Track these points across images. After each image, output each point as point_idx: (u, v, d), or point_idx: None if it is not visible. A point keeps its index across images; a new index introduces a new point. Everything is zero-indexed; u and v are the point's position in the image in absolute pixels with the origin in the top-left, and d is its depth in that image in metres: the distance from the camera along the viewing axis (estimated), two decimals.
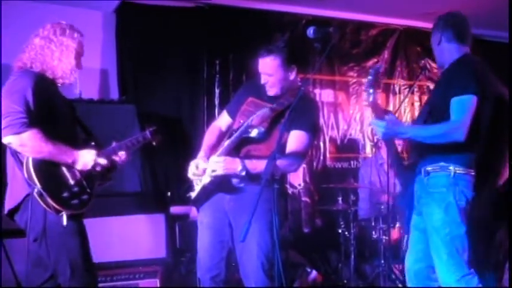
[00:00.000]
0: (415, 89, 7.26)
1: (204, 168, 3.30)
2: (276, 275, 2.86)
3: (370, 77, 3.08)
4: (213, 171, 3.21)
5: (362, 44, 7.03)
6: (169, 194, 4.98)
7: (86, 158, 3.02)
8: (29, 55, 3.04)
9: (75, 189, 2.97)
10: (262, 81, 3.39)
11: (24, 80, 2.92)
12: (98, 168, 3.09)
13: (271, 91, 3.39)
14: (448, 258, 3.05)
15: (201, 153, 3.47)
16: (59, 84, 3.13)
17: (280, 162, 3.06)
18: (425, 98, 7.39)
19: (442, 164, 3.08)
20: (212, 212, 3.42)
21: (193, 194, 3.37)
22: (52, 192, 2.87)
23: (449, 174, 3.06)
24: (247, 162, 3.21)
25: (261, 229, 3.16)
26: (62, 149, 2.94)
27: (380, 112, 3.11)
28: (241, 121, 3.36)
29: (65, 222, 2.89)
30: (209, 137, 3.61)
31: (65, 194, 2.92)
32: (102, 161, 3.09)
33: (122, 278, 4.55)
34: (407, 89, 7.16)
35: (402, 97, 7.13)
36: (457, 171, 3.06)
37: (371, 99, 3.09)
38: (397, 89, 7.23)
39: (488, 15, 6.51)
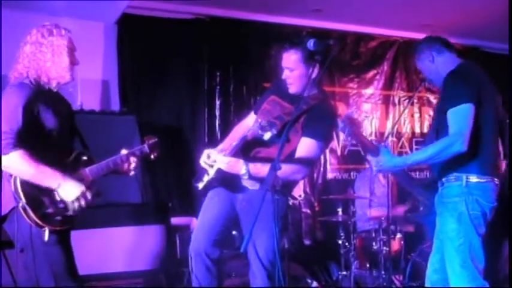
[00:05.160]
0: (415, 100, 7.29)
1: (215, 159, 3.27)
2: (277, 284, 2.87)
3: (341, 124, 3.01)
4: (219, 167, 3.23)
5: (362, 56, 7.08)
6: (170, 204, 4.97)
7: (71, 191, 2.91)
8: (23, 64, 3.01)
9: (61, 205, 2.93)
10: (283, 77, 3.38)
11: (16, 96, 2.89)
12: (82, 203, 2.94)
13: (292, 88, 3.37)
14: (461, 269, 3.01)
15: (220, 146, 3.50)
16: (55, 88, 3.09)
17: (285, 168, 3.01)
18: (425, 109, 7.44)
19: (455, 174, 3.07)
20: (221, 195, 3.43)
21: (200, 185, 3.34)
22: (35, 208, 2.85)
23: (461, 183, 3.04)
24: (252, 166, 3.20)
25: (268, 236, 3.16)
26: (46, 173, 2.87)
27: (371, 148, 3.08)
28: (259, 120, 3.35)
29: (46, 237, 2.87)
30: (234, 132, 3.64)
31: (49, 210, 2.89)
32: (88, 195, 2.96)
33: None
34: (406, 100, 7.19)
35: (402, 108, 7.15)
36: (470, 180, 3.03)
37: (352, 142, 3.04)
38: (396, 101, 7.26)
39: (485, 27, 6.56)
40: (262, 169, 3.18)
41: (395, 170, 3.25)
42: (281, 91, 3.46)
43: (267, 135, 3.18)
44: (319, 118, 3.24)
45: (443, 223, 3.11)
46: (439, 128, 3.14)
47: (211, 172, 3.25)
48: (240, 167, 3.19)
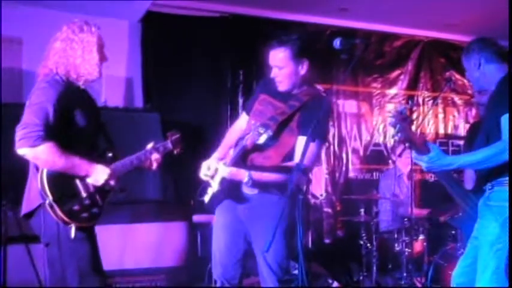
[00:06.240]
0: (439, 101, 7.21)
1: (215, 169, 3.23)
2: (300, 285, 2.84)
3: (393, 119, 2.95)
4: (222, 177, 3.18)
5: (386, 55, 7.03)
6: (192, 202, 4.98)
7: (99, 175, 3.00)
8: (53, 60, 3.03)
9: (87, 202, 2.97)
10: (272, 75, 3.30)
11: (48, 92, 2.92)
12: (108, 186, 3.06)
13: (281, 86, 3.29)
14: (492, 274, 2.95)
15: (216, 154, 3.43)
16: (82, 86, 3.10)
17: (286, 174, 3.02)
18: (449, 109, 7.36)
19: (508, 178, 2.96)
20: (226, 214, 3.38)
21: (206, 199, 3.31)
22: (62, 205, 2.89)
23: None
24: (253, 172, 3.17)
25: (276, 239, 3.09)
26: (75, 162, 2.93)
27: (420, 145, 2.96)
28: (253, 122, 3.30)
29: (73, 234, 2.90)
30: (228, 137, 3.57)
31: (76, 207, 2.93)
32: (113, 182, 3.05)
33: (143, 286, 4.57)
34: (431, 101, 7.12)
35: (426, 109, 7.09)
36: None
37: (400, 138, 2.94)
38: (420, 101, 7.20)
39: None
40: (263, 174, 3.16)
41: (443, 170, 3.17)
42: (271, 89, 3.37)
43: (262, 139, 3.12)
44: (314, 115, 3.10)
45: (484, 226, 3.03)
46: (489, 133, 3.05)
47: (215, 184, 3.21)
48: (243, 174, 3.16)
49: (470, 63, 3.23)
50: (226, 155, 3.35)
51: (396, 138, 2.92)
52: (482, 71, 3.19)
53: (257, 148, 3.22)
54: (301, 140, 3.17)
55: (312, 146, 3.14)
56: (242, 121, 3.58)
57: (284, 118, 3.22)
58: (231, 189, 3.27)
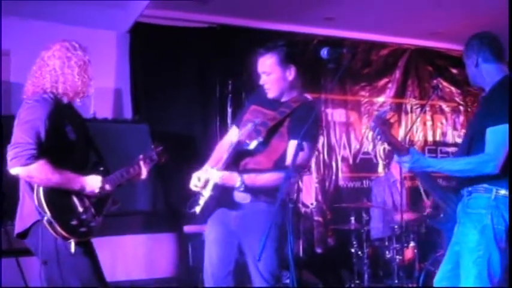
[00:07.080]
0: (427, 108, 7.26)
1: (206, 180, 3.22)
2: None
3: (372, 124, 3.00)
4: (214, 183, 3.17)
5: (373, 64, 7.07)
6: (182, 213, 4.98)
7: (93, 184, 3.05)
8: (50, 77, 3.02)
9: (84, 216, 2.99)
10: (261, 82, 3.35)
11: (39, 110, 2.93)
12: (105, 193, 3.11)
13: (270, 92, 3.33)
14: (475, 280, 2.96)
15: (206, 166, 3.40)
16: (79, 102, 3.14)
17: (278, 175, 3.03)
18: (437, 117, 7.41)
19: (485, 185, 2.99)
20: (218, 227, 3.37)
21: (197, 209, 3.28)
22: (61, 221, 2.90)
23: (490, 196, 2.96)
24: (246, 177, 3.16)
25: (266, 246, 3.12)
26: (69, 177, 2.96)
27: (401, 148, 3.03)
28: (251, 122, 3.31)
29: (73, 249, 2.91)
30: (218, 150, 3.55)
31: (74, 222, 2.94)
32: (108, 187, 3.11)
33: None
34: (419, 109, 7.16)
35: (414, 116, 7.13)
36: (499, 194, 2.95)
37: (380, 143, 3.00)
38: (408, 109, 7.25)
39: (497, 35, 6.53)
40: (256, 179, 3.16)
41: (423, 172, 3.20)
42: (261, 99, 3.42)
43: (253, 144, 3.15)
44: (304, 119, 3.12)
45: (464, 233, 3.05)
46: (473, 139, 3.07)
47: (207, 192, 3.20)
48: (235, 179, 3.15)
49: (468, 60, 3.20)
50: (219, 163, 3.30)
51: (376, 141, 2.98)
52: (479, 70, 3.15)
53: (248, 154, 3.24)
54: (292, 144, 3.18)
55: (303, 148, 3.11)
56: (232, 134, 3.57)
57: (274, 123, 3.24)
58: (223, 197, 3.25)
